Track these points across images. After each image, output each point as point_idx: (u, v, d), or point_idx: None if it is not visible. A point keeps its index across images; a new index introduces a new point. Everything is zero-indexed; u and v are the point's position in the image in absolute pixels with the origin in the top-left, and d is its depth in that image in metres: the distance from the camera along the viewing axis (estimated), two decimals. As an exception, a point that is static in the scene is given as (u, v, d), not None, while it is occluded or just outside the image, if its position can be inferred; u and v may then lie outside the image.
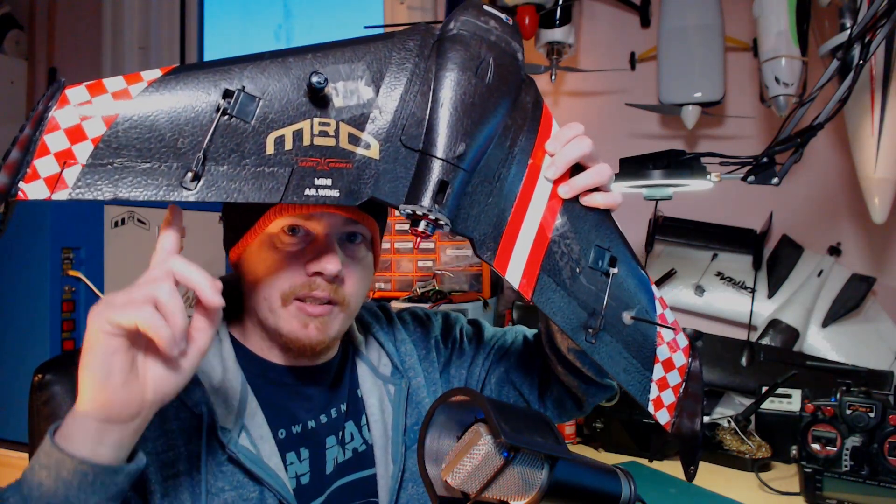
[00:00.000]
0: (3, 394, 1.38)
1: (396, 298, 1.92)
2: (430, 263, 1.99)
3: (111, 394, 0.54)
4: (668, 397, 0.74)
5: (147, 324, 0.52)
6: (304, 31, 2.75)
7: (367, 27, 2.31)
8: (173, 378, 0.57)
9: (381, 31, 2.46)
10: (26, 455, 0.90)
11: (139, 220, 1.47)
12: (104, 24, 2.67)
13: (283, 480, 0.73)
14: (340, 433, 0.83)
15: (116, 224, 1.42)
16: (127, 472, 0.56)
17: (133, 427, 0.56)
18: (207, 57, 2.87)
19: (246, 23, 2.85)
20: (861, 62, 1.15)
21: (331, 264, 0.73)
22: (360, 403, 0.86)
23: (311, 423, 0.81)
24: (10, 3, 2.84)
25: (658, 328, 0.73)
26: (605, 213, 0.72)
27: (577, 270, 0.70)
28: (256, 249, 0.76)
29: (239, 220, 0.77)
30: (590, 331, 0.69)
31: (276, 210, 0.72)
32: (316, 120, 0.61)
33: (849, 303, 1.73)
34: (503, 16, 0.69)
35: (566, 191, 0.70)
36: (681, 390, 0.75)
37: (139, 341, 0.55)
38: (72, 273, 1.34)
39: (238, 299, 0.83)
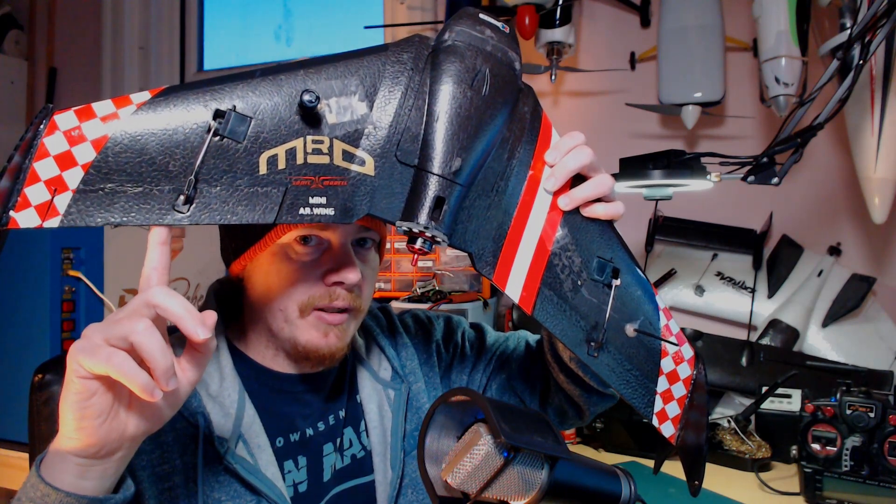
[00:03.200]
0: (3, 394, 1.38)
1: (396, 298, 1.92)
2: (430, 263, 1.99)
3: (88, 435, 0.52)
4: (673, 409, 0.73)
5: (119, 372, 0.48)
6: (304, 31, 2.75)
7: (366, 27, 2.31)
8: (157, 415, 0.55)
9: (381, 31, 2.46)
10: (26, 455, 0.90)
11: (139, 220, 1.47)
12: (104, 24, 2.67)
13: (280, 490, 0.73)
14: (338, 440, 0.82)
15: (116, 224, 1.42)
16: (114, 502, 0.55)
17: (115, 460, 0.55)
18: (207, 58, 2.87)
19: (246, 23, 2.85)
20: (861, 62, 1.15)
21: (352, 274, 0.72)
22: (360, 409, 0.85)
23: (310, 431, 0.80)
24: (10, 3, 2.84)
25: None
26: (608, 224, 0.71)
27: (579, 283, 0.68)
28: (267, 261, 0.75)
29: (244, 231, 0.76)
30: (592, 344, 0.68)
31: None
32: (309, 138, 0.60)
33: (849, 303, 1.73)
34: (500, 24, 0.68)
35: (566, 202, 0.68)
36: (686, 402, 0.73)
37: (116, 383, 0.52)
38: (72, 273, 1.34)
39: (235, 304, 0.82)
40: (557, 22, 1.86)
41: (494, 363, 0.94)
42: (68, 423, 0.52)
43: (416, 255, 0.64)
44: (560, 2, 1.83)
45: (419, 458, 0.57)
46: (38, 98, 2.90)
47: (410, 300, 1.89)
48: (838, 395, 1.30)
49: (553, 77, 1.92)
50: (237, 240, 0.77)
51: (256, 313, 0.78)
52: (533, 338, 0.97)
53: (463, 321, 1.00)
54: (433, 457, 0.57)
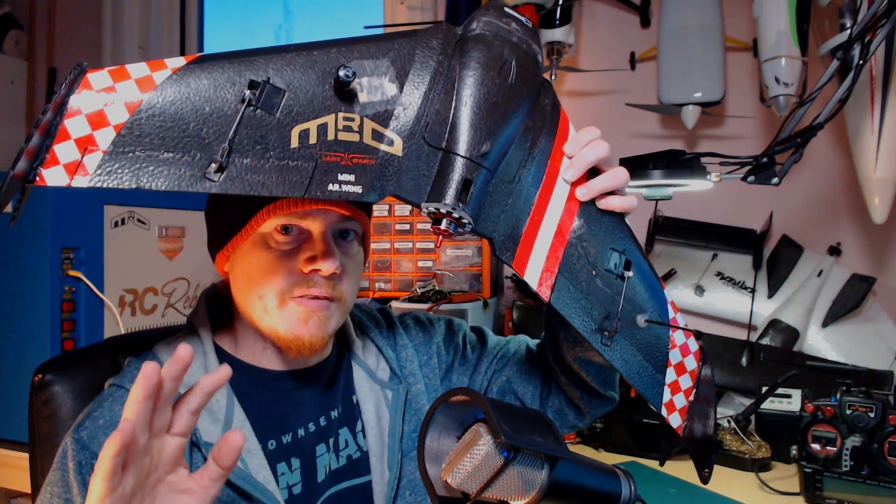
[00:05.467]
0: (3, 394, 1.38)
1: (396, 298, 1.92)
2: (430, 263, 1.99)
3: None
4: (680, 401, 0.74)
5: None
6: (304, 32, 2.75)
7: (367, 27, 2.31)
8: None
9: (381, 31, 2.46)
10: (26, 455, 0.90)
11: (139, 220, 1.47)
12: (104, 24, 2.67)
13: (272, 494, 0.72)
14: (332, 440, 0.82)
15: (116, 224, 1.42)
16: None
17: None
18: (207, 57, 2.87)
19: (246, 23, 2.85)
20: (861, 62, 1.15)
21: (329, 262, 0.72)
22: (356, 409, 0.85)
23: (301, 432, 0.80)
24: (10, 3, 2.84)
25: (670, 332, 0.73)
26: (620, 217, 0.73)
27: (594, 273, 0.70)
28: (248, 250, 0.75)
29: (227, 222, 0.76)
30: (605, 333, 0.69)
31: (269, 209, 0.72)
32: (340, 114, 0.61)
33: (849, 303, 1.73)
34: (524, 18, 0.69)
35: (584, 193, 0.70)
36: (692, 394, 0.75)
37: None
38: (72, 273, 1.34)
39: (226, 308, 0.82)
40: (557, 22, 1.86)
41: (495, 365, 0.94)
42: None
43: (440, 237, 0.64)
44: (560, 2, 1.83)
45: (419, 457, 0.57)
46: (38, 98, 2.89)
47: (410, 300, 1.89)
48: (838, 395, 1.30)
49: (553, 77, 1.91)
50: (221, 231, 0.77)
51: (241, 307, 0.78)
52: (533, 342, 0.97)
53: (464, 324, 1.00)
54: (433, 457, 0.57)
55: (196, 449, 0.71)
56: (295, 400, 0.81)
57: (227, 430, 0.72)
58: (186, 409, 0.55)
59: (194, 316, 0.82)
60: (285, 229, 0.73)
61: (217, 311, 0.83)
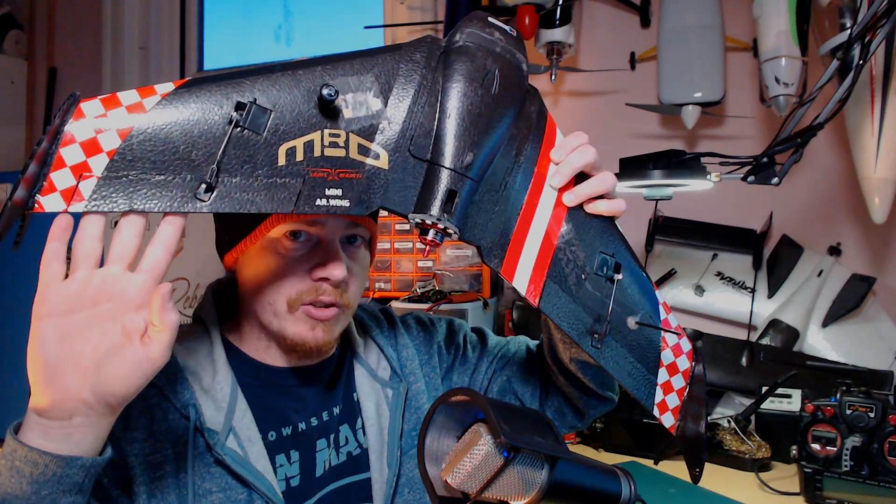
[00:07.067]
0: (2, 394, 1.38)
1: (396, 298, 1.92)
2: (430, 263, 1.99)
3: (42, 391, 0.56)
4: (673, 401, 0.75)
5: None
6: (304, 32, 2.75)
7: (366, 27, 2.31)
8: (117, 384, 0.55)
9: (381, 31, 2.46)
10: (26, 455, 0.90)
11: (139, 220, 1.47)
12: (104, 24, 2.67)
13: (270, 483, 0.73)
14: (333, 436, 0.83)
15: (116, 224, 1.42)
16: (81, 464, 0.55)
17: (77, 425, 0.55)
18: (207, 58, 2.87)
19: (246, 23, 2.85)
20: (861, 62, 1.15)
21: (338, 270, 0.73)
22: (356, 406, 0.86)
23: (302, 426, 0.81)
24: (10, 3, 2.84)
25: (662, 333, 0.74)
26: (609, 220, 0.73)
27: (583, 277, 0.70)
28: (257, 254, 0.76)
29: (236, 224, 0.77)
30: (595, 336, 0.70)
31: (279, 215, 0.72)
32: (326, 131, 0.62)
33: (849, 303, 1.73)
34: (508, 27, 0.70)
35: (571, 199, 0.71)
36: (685, 394, 0.75)
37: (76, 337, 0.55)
38: (72, 273, 1.34)
39: (232, 301, 0.83)
40: (557, 22, 1.86)
41: (496, 365, 0.95)
42: (31, 378, 0.56)
43: (427, 247, 0.65)
44: (560, 2, 1.83)
45: (419, 457, 0.57)
46: (38, 98, 2.90)
47: (410, 300, 1.89)
48: (838, 395, 1.30)
49: (553, 77, 1.92)
50: (230, 232, 0.78)
51: (247, 306, 0.79)
52: (533, 342, 0.98)
53: (465, 324, 1.01)
54: (433, 457, 0.57)
55: (199, 434, 0.72)
56: (297, 396, 0.82)
57: (229, 418, 0.74)
58: (150, 247, 0.58)
59: (201, 308, 0.83)
60: (294, 235, 0.74)
61: (223, 304, 0.83)
